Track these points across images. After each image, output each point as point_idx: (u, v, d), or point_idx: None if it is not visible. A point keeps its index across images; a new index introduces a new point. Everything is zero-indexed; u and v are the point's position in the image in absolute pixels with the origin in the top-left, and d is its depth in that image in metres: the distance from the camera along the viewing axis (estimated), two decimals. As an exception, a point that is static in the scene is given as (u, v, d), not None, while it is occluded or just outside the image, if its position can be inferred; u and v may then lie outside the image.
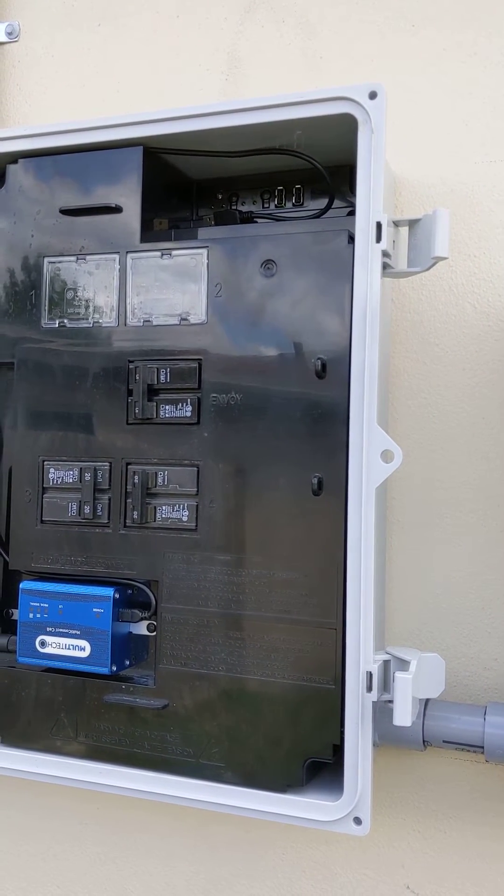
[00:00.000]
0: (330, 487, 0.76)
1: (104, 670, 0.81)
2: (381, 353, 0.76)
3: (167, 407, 0.81)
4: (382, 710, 0.75)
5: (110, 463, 0.83)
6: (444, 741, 0.80)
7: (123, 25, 1.02)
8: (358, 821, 0.73)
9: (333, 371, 0.76)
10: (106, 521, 0.83)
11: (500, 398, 0.87)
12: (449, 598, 0.87)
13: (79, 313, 0.85)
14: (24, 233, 0.86)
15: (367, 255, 0.73)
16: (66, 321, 0.85)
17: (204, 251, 0.80)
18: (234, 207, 0.91)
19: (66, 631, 0.82)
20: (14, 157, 0.87)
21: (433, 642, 0.88)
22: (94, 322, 0.84)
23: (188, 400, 0.80)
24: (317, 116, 0.76)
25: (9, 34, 1.06)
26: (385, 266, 0.75)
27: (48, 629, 0.83)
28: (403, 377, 0.90)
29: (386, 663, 0.75)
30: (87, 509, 0.83)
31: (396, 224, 0.78)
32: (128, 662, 0.83)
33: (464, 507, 0.87)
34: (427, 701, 0.82)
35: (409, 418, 0.89)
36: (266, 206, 0.91)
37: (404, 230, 0.79)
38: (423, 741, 0.81)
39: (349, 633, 0.73)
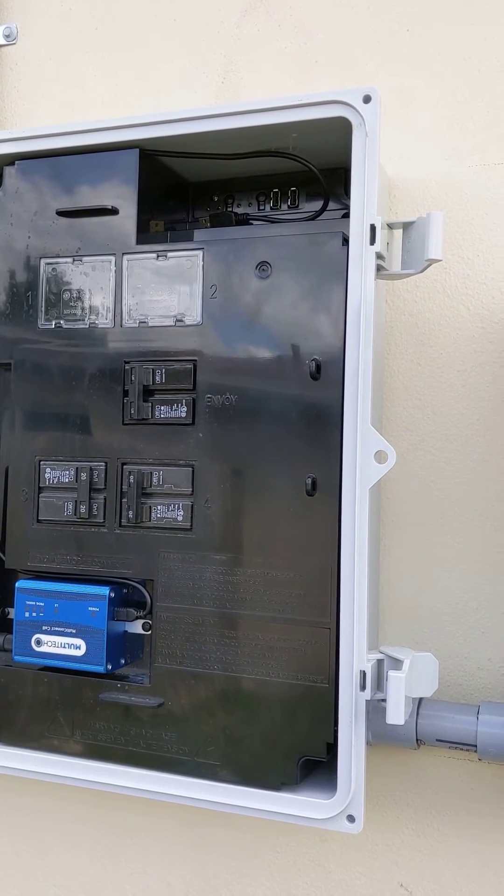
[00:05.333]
0: (324, 488, 0.76)
1: (100, 669, 0.81)
2: (376, 355, 0.76)
3: (162, 407, 0.81)
4: (376, 709, 0.75)
5: (106, 463, 0.83)
6: (437, 740, 0.81)
7: (121, 28, 1.03)
8: (351, 818, 0.73)
9: (328, 372, 0.76)
10: (101, 521, 0.83)
11: (495, 399, 0.87)
12: (443, 597, 0.88)
13: (75, 314, 0.85)
14: (21, 234, 0.87)
15: (360, 257, 0.74)
16: (62, 322, 0.85)
17: (199, 253, 0.81)
18: (229, 209, 0.92)
19: (62, 630, 0.83)
20: (11, 159, 0.88)
21: (427, 642, 0.88)
22: (91, 323, 0.84)
23: (183, 401, 0.81)
24: (312, 120, 0.76)
25: (7, 37, 1.07)
26: (379, 268, 0.76)
27: (44, 628, 0.84)
28: (398, 378, 0.90)
29: (380, 662, 0.75)
30: (82, 509, 0.84)
31: (391, 226, 0.79)
32: (123, 661, 0.84)
33: (459, 507, 0.88)
34: (420, 700, 0.82)
35: (405, 419, 0.90)
36: (262, 208, 0.91)
37: (398, 232, 0.80)
38: (417, 740, 0.81)
39: (343, 633, 0.73)
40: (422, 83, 0.90)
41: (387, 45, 0.92)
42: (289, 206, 0.90)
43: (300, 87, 0.95)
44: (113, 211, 0.84)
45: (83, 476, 0.84)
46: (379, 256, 0.75)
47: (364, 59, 0.93)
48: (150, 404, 0.82)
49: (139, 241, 0.83)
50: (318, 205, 0.88)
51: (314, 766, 0.79)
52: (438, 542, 0.88)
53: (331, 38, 0.94)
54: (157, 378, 0.81)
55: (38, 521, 0.86)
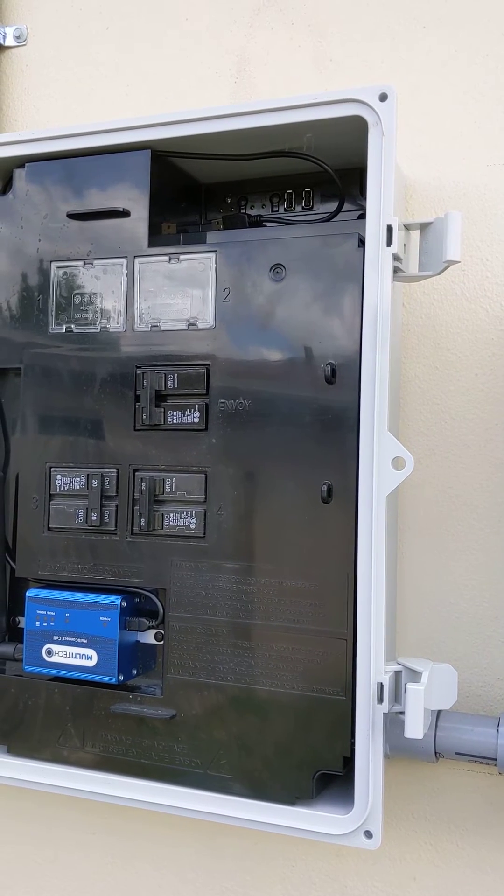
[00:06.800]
0: (340, 495, 0.74)
1: (111, 679, 0.80)
2: (392, 358, 0.74)
3: (175, 413, 0.80)
4: (393, 722, 0.74)
5: (117, 469, 0.82)
6: (456, 753, 0.79)
7: (132, 28, 1.02)
8: (368, 834, 0.72)
9: (343, 376, 0.75)
10: (113, 529, 0.82)
11: (514, 404, 0.85)
12: (462, 607, 0.86)
13: (86, 318, 0.84)
14: (32, 237, 0.86)
15: (377, 259, 0.72)
16: (73, 326, 0.84)
17: (212, 255, 0.79)
18: (243, 211, 0.90)
19: (73, 639, 0.81)
20: (21, 161, 0.86)
21: (446, 652, 0.86)
22: (102, 327, 0.83)
23: (196, 406, 0.79)
24: (327, 119, 0.75)
25: (17, 38, 1.06)
26: (396, 270, 0.74)
27: (55, 638, 0.82)
28: (415, 382, 0.89)
29: (397, 674, 0.73)
30: (94, 516, 0.82)
31: (408, 227, 0.77)
32: (135, 672, 0.82)
33: (477, 514, 0.86)
34: (439, 712, 0.80)
35: (422, 424, 0.88)
36: (275, 209, 0.90)
37: (415, 234, 0.78)
38: (436, 753, 0.79)
39: (360, 644, 0.72)
40: (438, 81, 0.89)
41: (402, 43, 0.90)
42: (303, 208, 0.88)
43: (314, 86, 0.93)
44: (124, 213, 0.82)
45: (94, 483, 0.82)
46: (396, 258, 0.73)
47: (379, 57, 0.91)
48: (162, 410, 0.80)
49: (151, 243, 0.82)
50: (333, 206, 0.86)
51: (330, 779, 0.77)
52: (456, 550, 0.87)
53: (345, 36, 0.92)
54: (170, 383, 0.80)
55: (49, 528, 0.84)
